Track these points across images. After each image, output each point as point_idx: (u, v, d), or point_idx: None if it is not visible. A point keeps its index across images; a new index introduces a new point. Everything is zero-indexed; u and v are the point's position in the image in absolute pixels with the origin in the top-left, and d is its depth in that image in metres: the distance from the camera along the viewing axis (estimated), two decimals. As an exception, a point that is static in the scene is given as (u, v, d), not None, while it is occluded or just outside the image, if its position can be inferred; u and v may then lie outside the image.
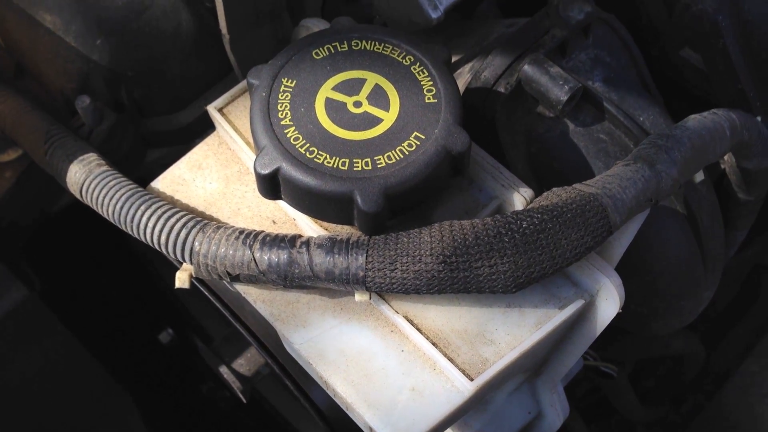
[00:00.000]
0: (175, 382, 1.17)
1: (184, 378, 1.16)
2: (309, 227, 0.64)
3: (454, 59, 0.77)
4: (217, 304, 0.69)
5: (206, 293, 0.69)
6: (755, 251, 1.12)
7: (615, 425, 1.28)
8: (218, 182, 0.68)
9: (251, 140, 0.67)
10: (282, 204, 0.66)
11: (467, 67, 0.77)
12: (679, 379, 1.26)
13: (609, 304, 0.61)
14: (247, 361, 0.83)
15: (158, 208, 0.62)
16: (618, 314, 0.62)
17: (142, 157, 0.82)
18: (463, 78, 0.76)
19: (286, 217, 0.66)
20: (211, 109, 0.69)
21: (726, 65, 0.78)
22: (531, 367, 0.69)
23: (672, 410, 1.28)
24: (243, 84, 0.70)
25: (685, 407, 1.29)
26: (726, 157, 0.78)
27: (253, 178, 0.68)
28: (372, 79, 0.62)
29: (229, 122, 0.69)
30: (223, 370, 0.83)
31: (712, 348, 1.26)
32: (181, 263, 0.64)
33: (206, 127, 0.76)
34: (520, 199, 0.64)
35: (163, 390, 1.16)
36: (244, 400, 0.85)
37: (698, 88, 0.83)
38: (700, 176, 0.70)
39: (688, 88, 0.84)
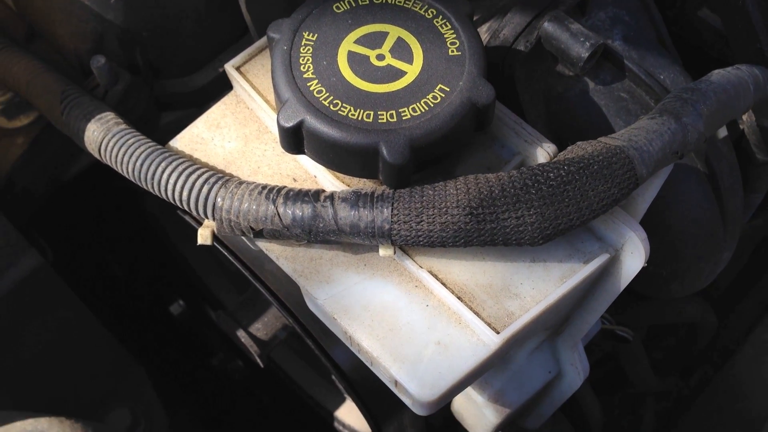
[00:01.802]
0: (187, 352, 1.17)
1: (196, 349, 1.15)
2: (330, 183, 0.63)
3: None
4: (237, 264, 0.69)
5: (225, 253, 0.68)
6: (765, 219, 1.12)
7: (621, 400, 1.29)
8: (237, 141, 0.67)
9: (270, 98, 0.66)
10: (302, 161, 0.65)
11: (485, 26, 0.76)
12: (688, 350, 1.26)
13: (634, 258, 0.61)
14: (264, 326, 0.83)
15: (179, 164, 0.62)
16: (639, 272, 0.61)
17: (157, 120, 0.81)
18: (481, 37, 0.75)
19: (307, 175, 0.65)
20: (229, 67, 0.68)
21: (745, 24, 0.77)
22: (554, 324, 0.69)
23: (681, 381, 1.28)
24: (260, 42, 0.69)
25: (695, 378, 1.29)
26: (745, 117, 0.78)
27: (272, 136, 0.67)
28: (394, 32, 0.61)
29: (248, 80, 0.68)
30: (241, 334, 0.82)
31: (721, 319, 1.25)
32: (200, 223, 0.63)
33: (221, 89, 0.76)
34: (543, 154, 0.63)
35: (175, 361, 1.16)
36: (261, 365, 0.84)
37: (716, 49, 0.83)
38: (721, 133, 0.70)
39: (706, 50, 0.83)
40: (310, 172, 0.65)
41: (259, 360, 0.83)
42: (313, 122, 0.57)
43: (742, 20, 0.77)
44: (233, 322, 0.83)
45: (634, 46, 0.74)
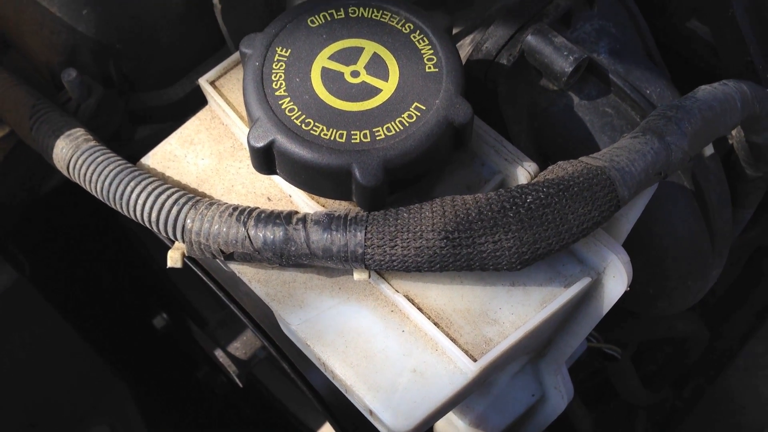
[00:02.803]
0: (169, 366, 1.15)
1: (179, 363, 1.13)
2: (305, 204, 0.62)
3: (454, 31, 0.75)
4: (211, 285, 0.67)
5: (199, 273, 0.67)
6: (758, 232, 1.10)
7: (615, 409, 1.27)
8: (211, 158, 0.65)
9: (245, 114, 0.64)
10: (277, 180, 0.63)
11: (468, 38, 0.74)
12: (680, 362, 1.24)
13: (616, 281, 0.59)
14: (243, 345, 0.81)
15: (148, 184, 0.60)
16: (625, 292, 0.60)
17: (132, 134, 0.79)
18: (464, 50, 0.73)
19: (282, 194, 0.63)
20: (203, 81, 0.66)
21: (735, 36, 0.75)
22: (535, 347, 0.67)
23: (674, 394, 1.26)
24: (236, 56, 0.67)
25: (687, 390, 1.28)
26: (734, 132, 0.76)
27: (247, 154, 0.65)
28: (370, 47, 0.59)
29: (222, 96, 0.66)
30: (219, 353, 0.80)
31: (715, 331, 1.24)
32: (173, 242, 0.61)
33: (198, 102, 0.73)
34: (524, 173, 0.62)
35: (157, 375, 1.14)
36: (240, 385, 0.83)
37: (705, 60, 0.81)
38: (709, 150, 0.68)
39: (695, 61, 0.82)
40: (285, 191, 0.63)
41: (237, 380, 0.81)
42: (284, 142, 0.56)
43: (731, 32, 0.76)
44: (211, 341, 0.81)
45: (620, 60, 0.72)
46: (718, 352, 1.26)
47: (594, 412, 1.21)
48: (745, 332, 1.27)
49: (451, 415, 0.68)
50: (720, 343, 1.26)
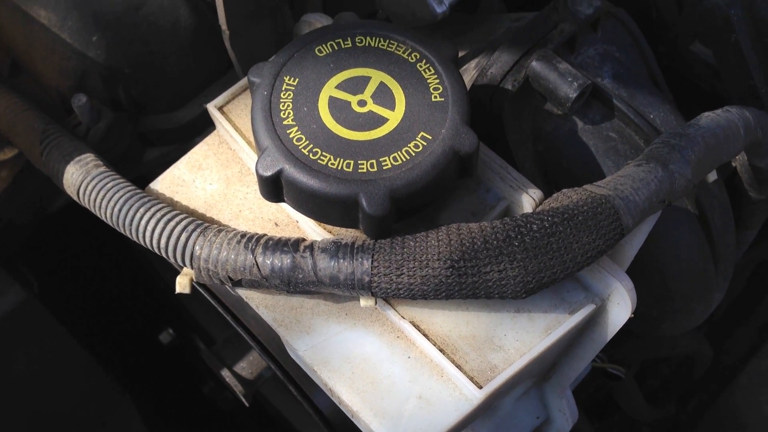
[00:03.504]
0: (176, 382, 1.15)
1: (186, 379, 1.14)
2: (312, 230, 0.62)
3: (459, 55, 0.76)
4: (219, 309, 0.67)
5: (208, 297, 0.67)
6: (762, 248, 1.11)
7: (618, 423, 1.27)
8: (219, 183, 0.66)
9: (252, 140, 0.65)
10: (285, 206, 0.64)
11: (473, 63, 0.75)
12: (684, 378, 1.24)
13: (621, 308, 0.60)
14: (249, 364, 0.82)
15: (158, 210, 0.61)
16: (629, 318, 0.60)
17: (141, 156, 0.80)
18: (468, 74, 0.74)
19: (289, 219, 0.64)
20: (211, 107, 0.67)
21: (738, 60, 0.76)
22: (540, 372, 0.67)
23: (678, 410, 1.26)
24: (243, 81, 0.68)
25: (691, 406, 1.28)
26: (738, 156, 0.76)
27: (254, 178, 0.66)
28: (377, 77, 0.60)
29: (230, 121, 0.67)
30: (225, 373, 0.81)
31: (718, 347, 1.24)
32: (182, 267, 0.62)
33: (206, 125, 0.74)
34: (528, 200, 0.62)
35: (164, 391, 1.15)
36: (246, 404, 0.83)
37: (708, 83, 0.81)
38: (712, 176, 0.69)
39: (698, 84, 0.82)
40: (292, 217, 0.64)
41: (243, 399, 0.82)
42: (292, 172, 0.56)
43: (734, 56, 0.76)
44: (218, 361, 0.82)
45: (624, 84, 0.73)
46: (722, 369, 1.27)
47: (597, 426, 1.22)
48: (748, 349, 1.28)
49: (456, 438, 0.69)
50: (723, 360, 1.27)
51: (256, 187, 0.65)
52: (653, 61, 0.78)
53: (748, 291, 1.25)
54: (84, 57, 0.72)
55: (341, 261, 0.55)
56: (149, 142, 0.80)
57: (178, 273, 0.63)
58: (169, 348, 1.11)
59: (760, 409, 1.19)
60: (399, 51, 0.61)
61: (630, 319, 0.61)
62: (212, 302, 0.67)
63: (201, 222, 0.60)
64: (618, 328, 0.61)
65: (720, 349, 1.24)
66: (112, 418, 1.02)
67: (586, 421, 1.08)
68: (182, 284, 0.61)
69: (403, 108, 0.59)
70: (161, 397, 1.14)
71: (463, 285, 0.55)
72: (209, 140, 0.68)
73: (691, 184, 0.60)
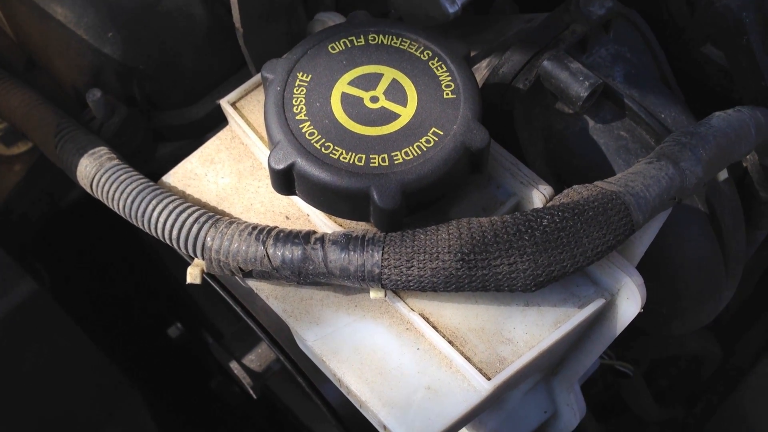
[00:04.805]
0: (184, 377, 1.16)
1: (194, 373, 1.15)
2: (323, 223, 0.63)
3: (471, 54, 0.76)
4: (229, 300, 0.68)
5: (218, 289, 0.68)
6: (772, 251, 1.10)
7: (625, 423, 1.27)
8: (231, 177, 0.67)
9: (264, 135, 0.66)
10: (296, 199, 0.65)
11: (484, 62, 0.75)
12: (693, 379, 1.24)
13: (630, 303, 0.60)
14: (258, 357, 0.82)
15: (170, 202, 0.61)
16: (640, 312, 0.60)
17: (154, 151, 0.81)
18: (480, 74, 0.74)
19: (300, 213, 0.65)
20: (224, 103, 0.68)
21: (750, 62, 0.76)
22: (548, 366, 0.68)
23: (686, 410, 1.26)
24: (256, 78, 0.69)
25: (699, 408, 1.28)
26: (748, 155, 0.77)
27: (266, 173, 0.67)
28: (389, 73, 0.61)
29: (243, 116, 0.68)
30: (234, 365, 0.82)
31: (728, 348, 1.24)
32: (193, 258, 0.63)
33: (218, 121, 0.75)
34: (539, 196, 0.63)
35: (172, 386, 1.16)
36: (254, 397, 0.84)
37: (720, 85, 0.81)
38: (723, 175, 0.69)
39: (710, 86, 0.82)
40: (303, 211, 0.65)
41: (252, 392, 0.83)
42: (304, 165, 0.57)
43: (746, 58, 0.76)
44: (226, 353, 0.82)
45: (635, 84, 0.73)
46: (731, 370, 1.26)
47: (604, 426, 1.22)
48: (757, 350, 1.27)
49: (464, 431, 0.69)
50: (732, 361, 1.26)
51: (268, 181, 0.66)
52: (665, 63, 0.78)
53: (758, 293, 1.25)
54: (99, 53, 0.73)
55: (352, 253, 0.56)
56: (162, 137, 0.81)
57: (188, 266, 0.63)
58: (177, 342, 1.12)
59: (767, 409, 1.18)
60: (411, 49, 0.62)
61: (639, 317, 0.61)
62: (222, 294, 0.68)
63: (212, 214, 0.61)
64: (627, 323, 0.61)
65: (729, 351, 1.24)
66: (120, 411, 1.02)
67: (593, 420, 1.08)
68: (193, 275, 0.62)
69: (415, 104, 0.59)
70: (169, 392, 1.15)
71: (473, 277, 0.55)
72: (222, 135, 0.69)
73: (702, 182, 0.61)
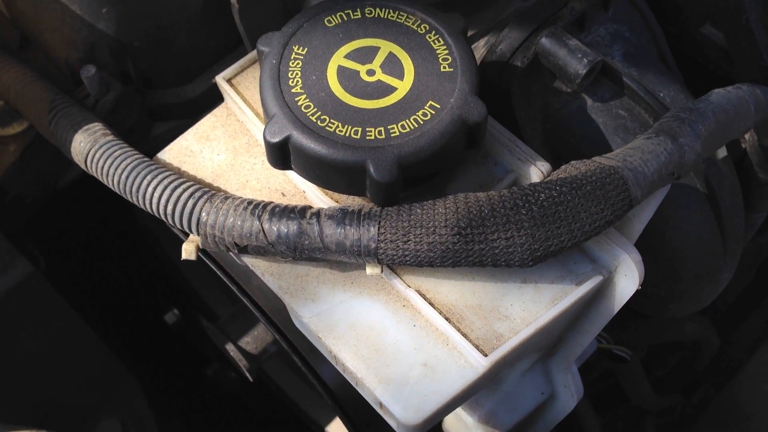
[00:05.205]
0: (180, 363, 1.16)
1: (190, 359, 1.14)
2: (319, 200, 0.62)
3: (469, 33, 0.75)
4: (224, 278, 0.68)
5: (212, 267, 0.67)
6: (769, 238, 1.10)
7: (623, 413, 1.27)
8: (226, 154, 0.66)
9: (260, 111, 0.65)
10: (291, 176, 0.64)
11: (482, 41, 0.75)
12: (690, 368, 1.24)
13: (628, 280, 0.60)
14: (254, 339, 0.82)
15: (165, 177, 0.61)
16: (636, 292, 0.60)
17: (149, 130, 0.80)
18: (478, 52, 0.74)
19: (296, 190, 0.64)
20: (220, 79, 0.67)
21: (749, 42, 0.76)
22: (545, 345, 0.67)
23: (683, 399, 1.26)
24: (252, 54, 0.68)
25: (696, 396, 1.27)
26: (747, 136, 0.76)
27: (262, 150, 0.66)
28: (386, 47, 0.60)
29: (238, 93, 0.67)
30: (230, 347, 0.81)
31: (725, 337, 1.24)
32: (188, 235, 0.62)
33: (214, 100, 0.74)
34: (536, 173, 0.62)
35: (168, 370, 1.15)
36: (251, 379, 0.83)
37: (719, 66, 0.81)
38: (722, 153, 0.68)
39: (709, 66, 0.82)
40: (299, 187, 0.64)
41: (248, 374, 0.82)
42: (300, 138, 0.56)
43: (745, 38, 0.76)
44: (222, 335, 0.82)
45: (633, 63, 0.73)
46: (728, 359, 1.26)
47: (602, 416, 1.21)
48: (755, 339, 1.27)
49: (460, 411, 0.69)
50: (730, 350, 1.26)
51: (264, 158, 0.65)
52: (663, 43, 0.78)
53: (756, 282, 1.25)
54: (93, 29, 0.72)
55: (348, 227, 0.55)
56: (157, 116, 0.80)
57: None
58: (174, 328, 1.12)
59: (765, 399, 1.18)
60: (408, 22, 0.61)
61: (637, 298, 0.61)
62: (217, 271, 0.67)
63: (207, 189, 0.60)
64: (625, 301, 0.60)
65: (727, 340, 1.23)
66: (116, 396, 1.02)
67: (591, 409, 1.08)
68: (188, 251, 0.61)
69: (412, 77, 0.59)
70: (166, 377, 1.15)
71: (469, 252, 0.55)
72: (217, 112, 0.69)
73: (701, 158, 0.60)
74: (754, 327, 1.28)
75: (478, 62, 0.72)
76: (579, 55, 0.68)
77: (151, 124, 0.80)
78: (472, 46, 0.75)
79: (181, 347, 1.14)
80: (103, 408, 1.02)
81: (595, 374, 1.09)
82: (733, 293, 1.25)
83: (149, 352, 1.13)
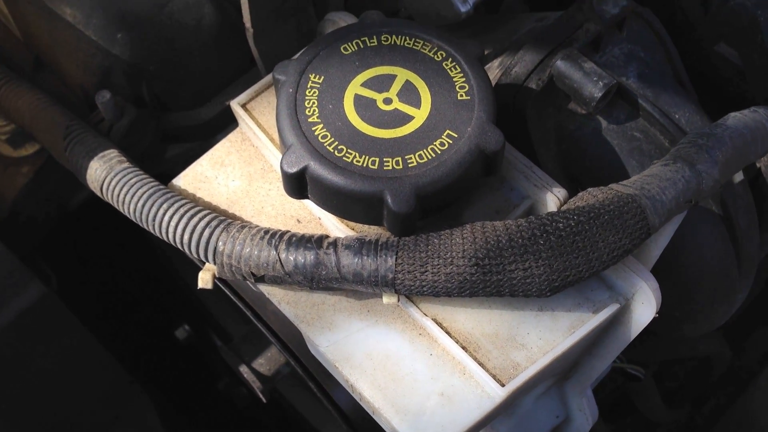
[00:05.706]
0: (192, 379, 1.16)
1: (202, 375, 1.14)
2: (335, 227, 0.62)
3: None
4: (240, 305, 0.68)
5: (229, 294, 0.67)
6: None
7: (633, 424, 1.26)
8: (241, 180, 0.66)
9: (275, 137, 0.65)
10: (307, 203, 0.64)
11: (496, 62, 0.75)
12: (701, 380, 1.24)
13: (645, 308, 0.59)
14: (267, 360, 0.82)
15: (181, 206, 0.61)
16: (653, 319, 0.60)
17: (163, 152, 0.80)
18: (492, 73, 0.73)
19: (311, 216, 0.64)
20: (235, 104, 0.67)
21: (764, 61, 0.75)
22: (561, 371, 0.67)
23: (694, 412, 1.25)
24: (267, 79, 0.68)
25: (707, 408, 1.27)
26: (763, 156, 0.76)
27: (276, 175, 0.66)
28: (402, 75, 0.60)
29: (253, 118, 0.67)
30: (243, 369, 0.81)
31: (737, 349, 1.23)
32: (203, 263, 0.62)
33: (228, 122, 0.75)
34: (553, 199, 0.62)
35: (180, 387, 1.15)
36: (264, 400, 0.83)
37: (734, 84, 0.81)
38: (738, 176, 0.68)
39: (723, 85, 0.82)
40: (315, 214, 0.64)
41: (261, 395, 0.82)
42: (317, 168, 0.56)
43: (760, 57, 0.76)
44: (236, 357, 0.82)
45: (648, 84, 0.72)
46: (740, 371, 1.26)
47: (612, 426, 1.21)
48: (766, 351, 1.26)
49: (476, 437, 0.68)
50: (742, 362, 1.26)
51: (279, 184, 0.66)
52: (678, 62, 0.78)
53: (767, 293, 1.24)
54: (108, 54, 0.73)
55: (365, 258, 0.55)
56: (171, 139, 0.80)
57: (197, 269, 0.63)
58: (185, 344, 1.12)
59: (778, 412, 1.18)
60: (425, 50, 0.61)
61: (654, 320, 0.60)
62: (233, 298, 0.67)
63: (224, 218, 0.60)
64: (642, 328, 0.60)
65: (738, 351, 1.23)
66: (128, 413, 1.02)
67: (601, 422, 1.08)
68: (204, 279, 0.61)
69: (429, 106, 0.59)
70: (177, 393, 1.15)
71: (487, 282, 0.54)
72: (232, 137, 0.69)
73: (718, 184, 0.60)
74: (765, 339, 1.28)
75: (493, 84, 0.72)
76: (594, 78, 0.67)
77: (166, 146, 0.81)
78: (486, 67, 0.75)
79: (193, 363, 1.15)
80: (116, 424, 1.02)
81: (607, 391, 1.09)
82: (744, 304, 1.24)
83: (161, 368, 1.13)
